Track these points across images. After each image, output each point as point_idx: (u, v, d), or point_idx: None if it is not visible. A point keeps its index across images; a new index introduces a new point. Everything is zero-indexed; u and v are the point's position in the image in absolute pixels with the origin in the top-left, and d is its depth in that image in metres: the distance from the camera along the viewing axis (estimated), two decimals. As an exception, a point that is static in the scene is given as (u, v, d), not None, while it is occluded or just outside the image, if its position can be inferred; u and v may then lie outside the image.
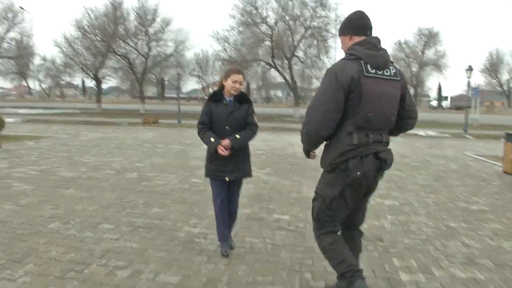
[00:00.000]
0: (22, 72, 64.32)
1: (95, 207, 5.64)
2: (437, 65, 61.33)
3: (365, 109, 2.67)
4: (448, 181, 8.25)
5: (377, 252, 4.27)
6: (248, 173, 4.07)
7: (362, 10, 2.88)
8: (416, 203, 6.34)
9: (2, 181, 7.17)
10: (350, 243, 3.09)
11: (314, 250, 4.07)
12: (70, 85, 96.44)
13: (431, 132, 21.67)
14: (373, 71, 2.70)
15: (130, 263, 3.82)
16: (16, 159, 9.55)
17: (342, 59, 2.80)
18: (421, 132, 21.30)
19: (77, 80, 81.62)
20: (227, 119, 3.87)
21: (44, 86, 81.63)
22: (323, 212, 2.93)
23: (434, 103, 66.17)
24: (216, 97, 3.96)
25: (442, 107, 63.66)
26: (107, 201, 5.99)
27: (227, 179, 3.95)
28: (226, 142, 3.80)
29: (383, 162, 2.76)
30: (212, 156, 3.94)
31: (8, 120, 22.98)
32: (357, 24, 2.83)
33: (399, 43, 63.17)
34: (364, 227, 5.14)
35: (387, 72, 2.76)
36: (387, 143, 2.90)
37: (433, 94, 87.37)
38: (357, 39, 2.80)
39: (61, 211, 5.42)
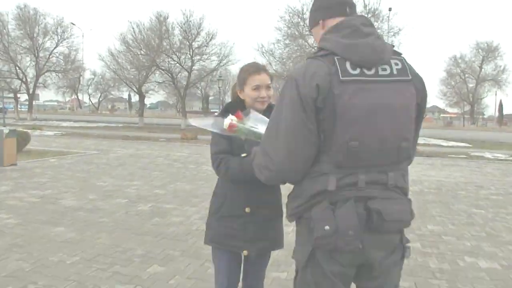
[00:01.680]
0: (73, 86, 66.33)
1: (75, 259, 4.16)
2: (497, 81, 57.98)
3: (345, 135, 1.60)
4: (552, 225, 6.25)
5: None
6: (279, 243, 2.42)
7: None
8: (526, 267, 4.46)
9: (-13, 212, 5.91)
10: None
11: None
12: (120, 99, 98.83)
13: (498, 155, 19.10)
14: (356, 71, 1.63)
15: None
16: (23, 180, 8.36)
17: (308, 58, 1.76)
18: (488, 154, 18.80)
19: (125, 94, 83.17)
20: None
21: (94, 100, 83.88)
22: None
23: None
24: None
25: None
26: (97, 249, 4.50)
27: (245, 253, 2.33)
28: None
29: (375, 214, 1.60)
30: (225, 208, 2.34)
31: (47, 133, 22.64)
32: (329, 2, 1.78)
33: (455, 58, 59.93)
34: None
35: (384, 70, 1.66)
36: (398, 187, 1.70)
37: (490, 111, 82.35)
38: (332, 23, 1.74)
39: (27, 265, 3.97)
